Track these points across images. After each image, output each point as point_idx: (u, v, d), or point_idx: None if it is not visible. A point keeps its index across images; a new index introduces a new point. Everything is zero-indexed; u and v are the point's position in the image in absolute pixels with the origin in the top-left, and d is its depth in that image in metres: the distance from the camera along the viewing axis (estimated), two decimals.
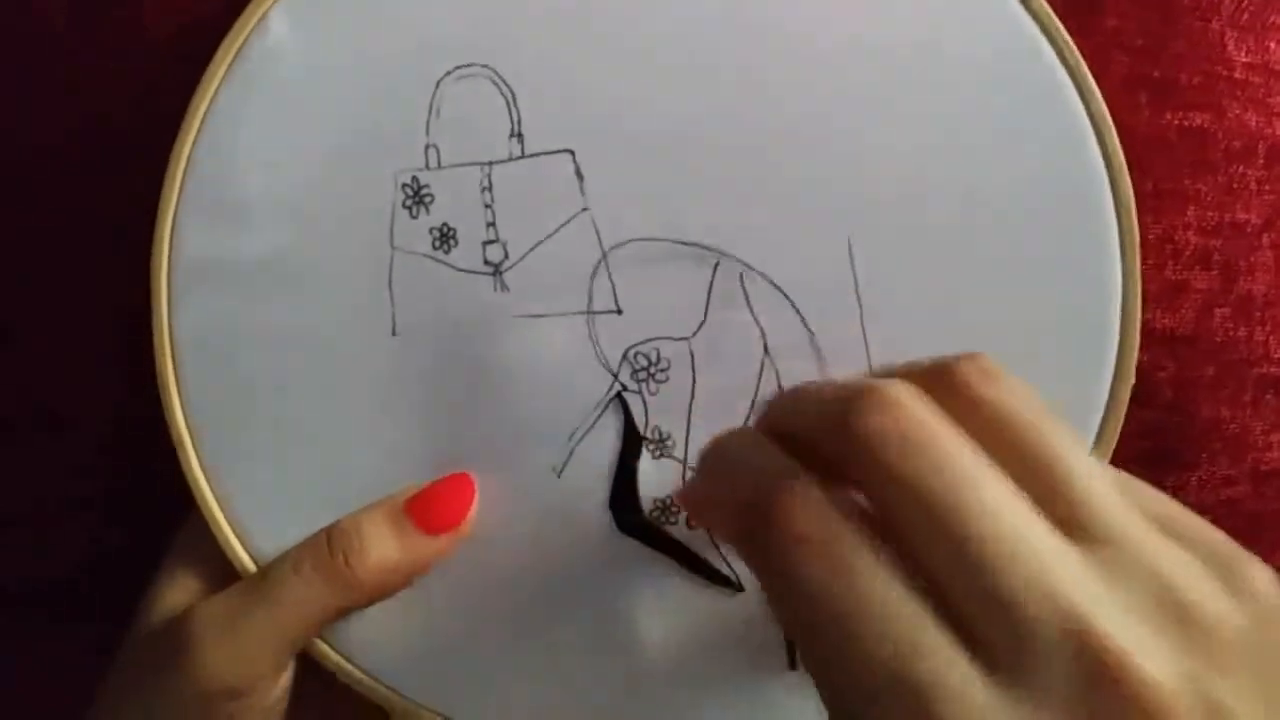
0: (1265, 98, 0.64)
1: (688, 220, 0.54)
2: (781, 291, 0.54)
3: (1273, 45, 0.65)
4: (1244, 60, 0.64)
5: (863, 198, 0.53)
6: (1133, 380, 0.52)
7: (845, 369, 0.53)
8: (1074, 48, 0.53)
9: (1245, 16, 0.64)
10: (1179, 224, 0.62)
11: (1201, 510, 0.61)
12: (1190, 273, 0.63)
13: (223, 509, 0.55)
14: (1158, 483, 0.54)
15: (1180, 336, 0.60)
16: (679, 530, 0.54)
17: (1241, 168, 0.63)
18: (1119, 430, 0.52)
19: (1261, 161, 0.64)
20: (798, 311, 0.53)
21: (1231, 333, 0.63)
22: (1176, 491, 0.57)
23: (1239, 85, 0.64)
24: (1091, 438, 0.53)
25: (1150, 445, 0.61)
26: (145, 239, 0.55)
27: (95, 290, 0.62)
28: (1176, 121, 0.62)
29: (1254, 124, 0.64)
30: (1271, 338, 0.64)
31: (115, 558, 0.64)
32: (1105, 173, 0.53)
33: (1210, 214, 0.63)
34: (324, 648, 0.54)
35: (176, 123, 0.55)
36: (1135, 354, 0.52)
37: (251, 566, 0.54)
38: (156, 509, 0.57)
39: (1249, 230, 0.63)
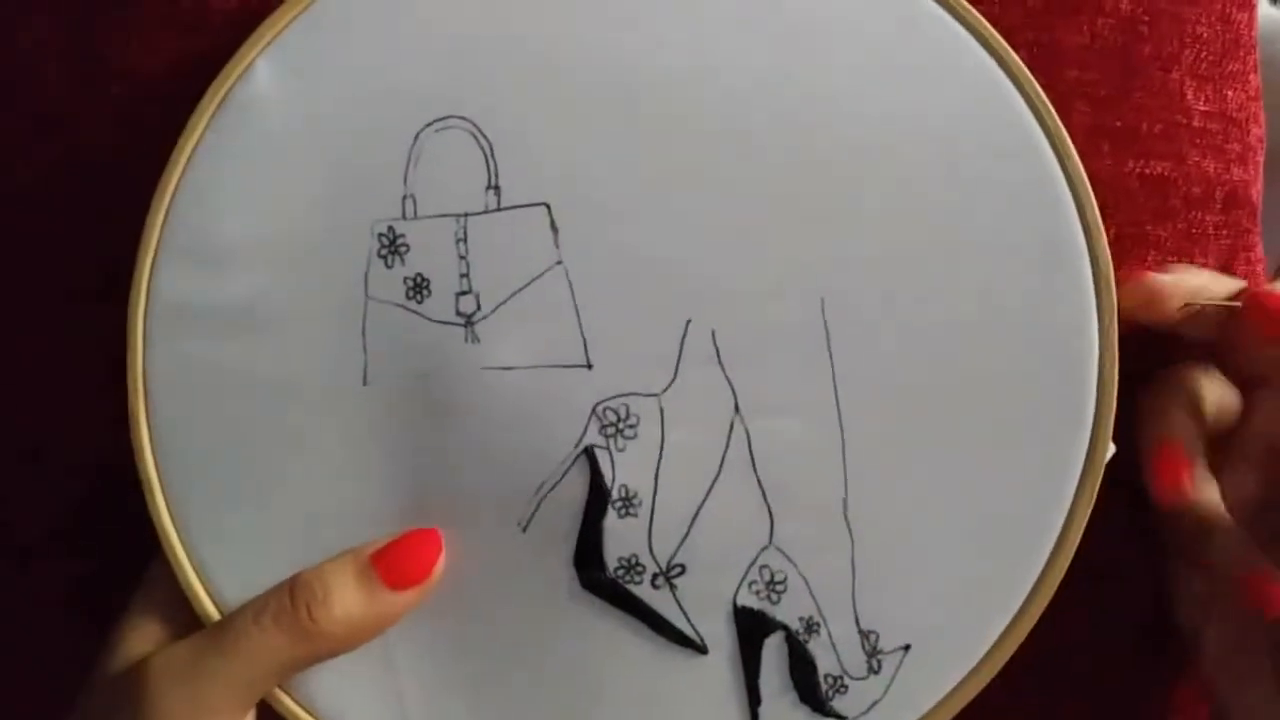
0: (1223, 144, 0.64)
1: (661, 275, 0.52)
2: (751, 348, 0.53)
3: (1230, 94, 0.64)
4: (1203, 109, 0.63)
5: (837, 256, 0.52)
6: (1111, 446, 0.52)
7: (817, 428, 0.52)
8: (1051, 109, 0.52)
9: (1204, 66, 0.63)
10: (1138, 270, 0.61)
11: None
12: None
13: (187, 552, 0.53)
14: None
15: (1122, 373, 0.60)
16: (644, 590, 0.53)
17: (1200, 213, 0.63)
18: (1094, 498, 0.52)
19: (1219, 207, 0.63)
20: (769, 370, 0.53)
21: None
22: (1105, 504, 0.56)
23: (1198, 133, 0.63)
24: (1065, 509, 0.52)
25: None
26: (127, 278, 0.53)
27: (82, 322, 0.60)
28: (1138, 169, 0.61)
29: (1212, 170, 0.63)
30: None
31: (95, 591, 0.62)
32: (1084, 238, 0.52)
33: (1169, 259, 0.62)
34: (282, 696, 0.53)
35: (163, 164, 0.53)
36: (1111, 417, 0.51)
37: (214, 613, 0.53)
38: (132, 547, 0.55)
39: None
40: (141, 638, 0.52)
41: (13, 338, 0.61)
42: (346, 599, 0.50)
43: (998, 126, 0.52)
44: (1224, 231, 0.63)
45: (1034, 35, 0.59)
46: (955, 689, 0.52)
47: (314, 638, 0.50)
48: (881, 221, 0.52)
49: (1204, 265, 0.63)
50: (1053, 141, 0.52)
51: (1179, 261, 0.61)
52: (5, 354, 0.61)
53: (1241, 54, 0.64)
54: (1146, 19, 0.61)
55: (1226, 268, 0.63)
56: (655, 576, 0.53)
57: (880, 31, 0.52)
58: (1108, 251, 0.51)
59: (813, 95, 0.52)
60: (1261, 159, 0.66)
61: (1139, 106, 0.62)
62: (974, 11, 0.52)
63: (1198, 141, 0.63)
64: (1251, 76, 0.65)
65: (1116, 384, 0.51)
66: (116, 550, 0.58)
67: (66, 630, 0.62)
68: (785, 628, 0.53)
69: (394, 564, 0.51)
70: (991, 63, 0.52)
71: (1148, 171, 0.62)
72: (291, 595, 0.51)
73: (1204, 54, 0.63)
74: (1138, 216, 0.61)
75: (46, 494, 0.62)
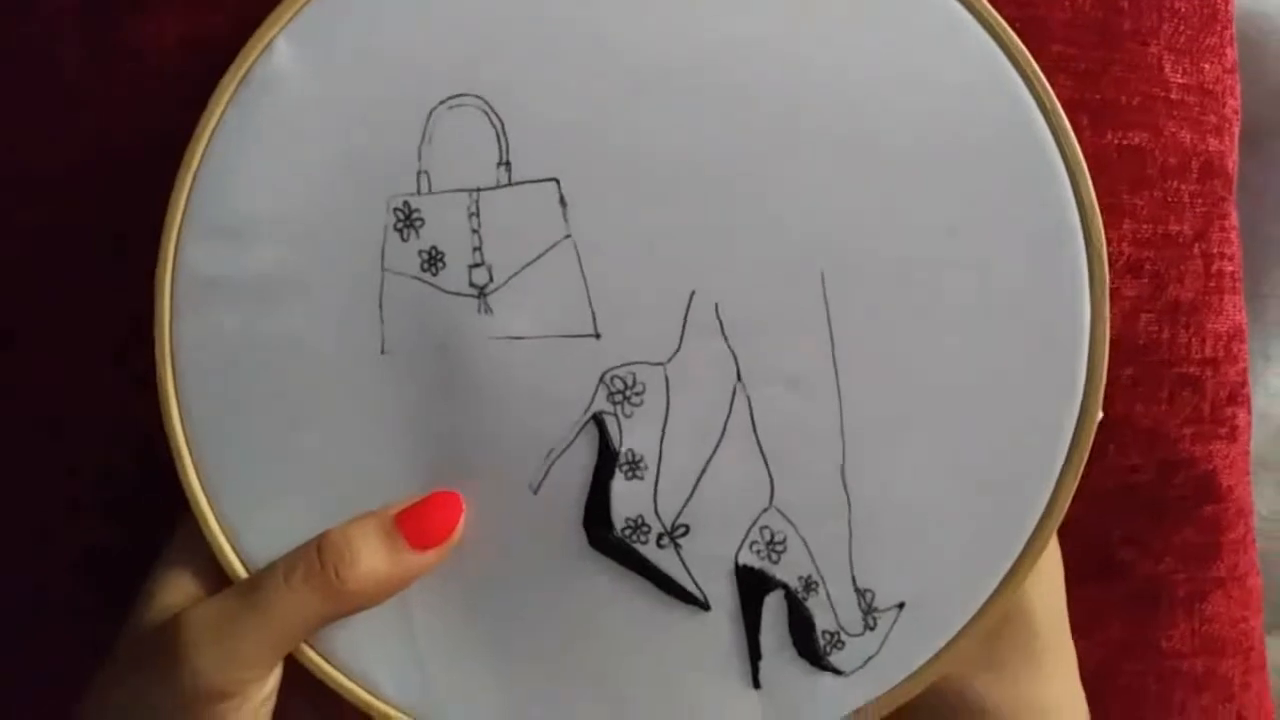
0: (1199, 116, 0.65)
1: (666, 248, 0.53)
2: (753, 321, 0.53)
3: (1206, 66, 0.65)
4: (1180, 81, 0.64)
5: (837, 233, 0.52)
6: (1100, 416, 0.52)
7: (816, 396, 0.53)
8: (1048, 87, 0.52)
9: (1182, 39, 0.64)
10: (1114, 237, 0.62)
11: (1099, 495, 0.63)
12: (1121, 281, 0.63)
13: (215, 514, 0.53)
14: None
15: None
16: (649, 550, 0.54)
17: (1176, 182, 0.64)
18: (1083, 465, 0.52)
19: (1195, 176, 0.64)
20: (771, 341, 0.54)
21: (1155, 335, 0.64)
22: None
23: (1175, 105, 0.64)
24: (1056, 471, 0.53)
25: None
26: (148, 252, 0.53)
27: (100, 296, 0.61)
28: (1116, 141, 0.62)
29: (1188, 141, 0.64)
30: (1194, 339, 0.65)
31: (112, 558, 0.63)
32: (1077, 213, 0.53)
33: (1145, 226, 0.63)
34: (306, 649, 0.54)
35: (180, 141, 0.53)
36: (1101, 387, 0.52)
37: (242, 571, 0.53)
38: (152, 510, 0.56)
39: (1181, 241, 0.64)
40: (174, 591, 0.53)
41: (30, 313, 0.62)
42: (372, 558, 0.51)
43: (995, 105, 0.52)
44: (1199, 200, 0.64)
45: (1018, 10, 0.60)
46: (947, 646, 0.53)
47: (341, 596, 0.51)
48: (881, 198, 0.52)
49: (1179, 232, 0.64)
50: (1049, 120, 0.52)
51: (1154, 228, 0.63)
52: (30, 330, 0.62)
53: (1218, 28, 0.65)
54: None
55: (1203, 234, 0.65)
56: (660, 536, 0.54)
57: (881, 11, 0.53)
58: (1101, 228, 0.51)
59: (816, 75, 0.52)
60: (1237, 130, 0.67)
61: (1118, 80, 0.62)
62: None
63: (1175, 113, 0.64)
64: (1228, 50, 0.65)
65: (1107, 354, 0.52)
66: (131, 523, 0.59)
67: (81, 602, 0.63)
68: (785, 586, 0.54)
69: (418, 525, 0.52)
70: (990, 41, 0.52)
71: (1125, 142, 0.63)
72: (320, 554, 0.51)
73: (1182, 28, 0.64)
74: (1115, 186, 0.62)
75: (62, 469, 0.63)
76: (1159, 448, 0.65)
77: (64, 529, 0.63)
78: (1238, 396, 0.66)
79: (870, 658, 0.53)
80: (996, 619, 0.53)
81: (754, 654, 0.54)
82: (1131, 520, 0.65)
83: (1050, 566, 0.55)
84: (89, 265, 0.60)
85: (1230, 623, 0.67)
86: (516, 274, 0.52)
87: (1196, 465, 0.65)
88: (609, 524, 0.53)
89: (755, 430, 0.53)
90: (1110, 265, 0.53)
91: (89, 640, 0.54)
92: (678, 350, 0.52)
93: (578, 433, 0.53)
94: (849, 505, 0.53)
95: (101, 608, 0.54)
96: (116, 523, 0.63)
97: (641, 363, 0.52)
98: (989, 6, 0.52)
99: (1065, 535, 0.54)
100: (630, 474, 0.53)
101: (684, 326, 0.52)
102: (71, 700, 0.52)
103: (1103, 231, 0.51)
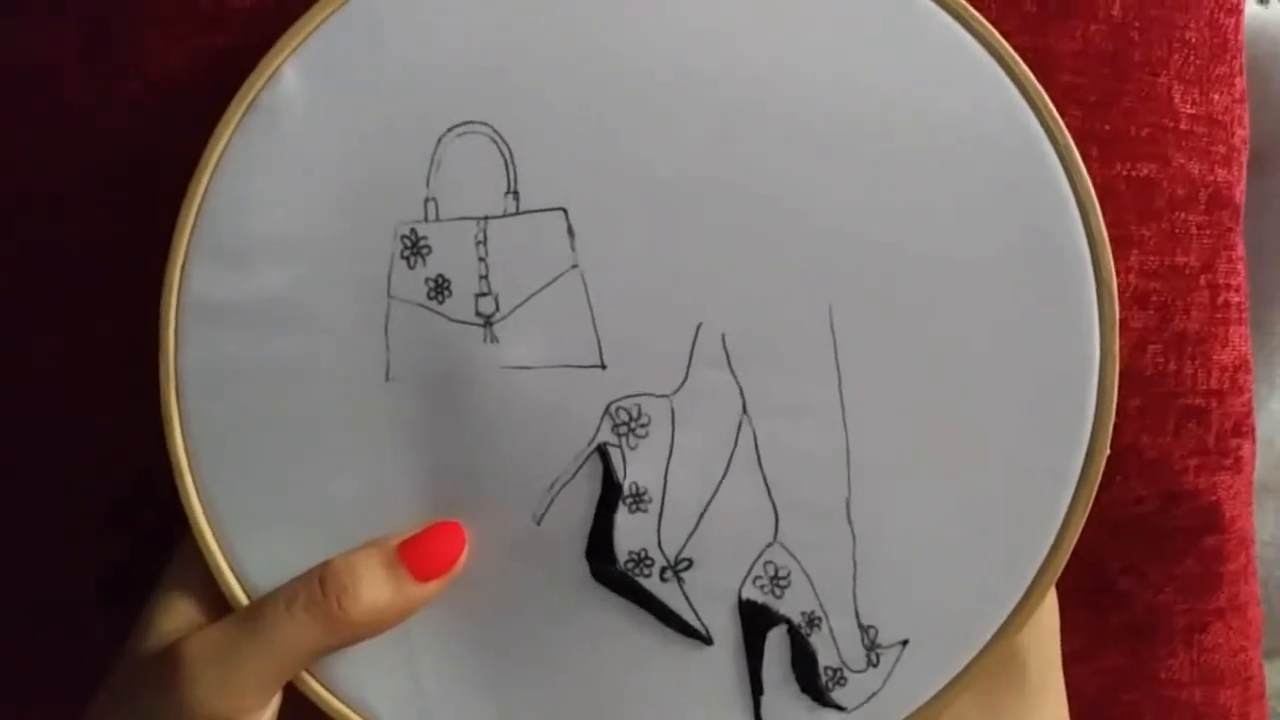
0: (1208, 146, 0.64)
1: (673, 280, 0.52)
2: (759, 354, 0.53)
3: (1215, 97, 0.64)
4: (1189, 112, 0.63)
5: (845, 265, 0.52)
6: (1107, 453, 0.52)
7: (822, 430, 0.53)
8: (1060, 121, 0.52)
9: (1191, 70, 0.63)
10: (1121, 268, 0.61)
11: (1103, 525, 0.63)
12: (1128, 312, 0.63)
13: (216, 538, 0.53)
14: None
15: None
16: (652, 583, 0.53)
17: (1184, 214, 0.63)
18: (1091, 501, 0.52)
19: (1203, 207, 0.63)
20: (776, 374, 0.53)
21: (1162, 367, 0.64)
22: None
23: (1184, 136, 0.63)
24: (1062, 510, 0.52)
25: None
26: (152, 268, 0.52)
27: (102, 320, 0.60)
28: (1125, 172, 0.62)
29: (1197, 172, 0.64)
30: (1200, 371, 0.64)
31: (113, 564, 0.62)
32: (1088, 250, 0.52)
33: (1152, 258, 0.62)
34: (306, 677, 0.53)
35: (184, 160, 0.52)
36: (1110, 427, 0.51)
37: (242, 598, 0.52)
38: (154, 519, 0.56)
39: (1188, 272, 0.63)
40: (173, 618, 0.52)
41: (37, 335, 0.61)
42: (375, 589, 0.51)
43: (1006, 139, 0.52)
44: (1207, 231, 0.64)
45: (1028, 40, 0.59)
46: (950, 683, 0.52)
47: (342, 626, 0.50)
48: (890, 231, 0.52)
49: (1186, 264, 0.64)
50: (1060, 153, 0.52)
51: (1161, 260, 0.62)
52: (31, 351, 0.61)
53: (1228, 58, 0.64)
54: (1137, 24, 0.61)
55: (1209, 265, 0.64)
56: (664, 570, 0.53)
57: (890, 42, 0.52)
58: (1111, 262, 0.51)
59: (825, 108, 0.52)
60: (1245, 160, 0.66)
61: (1127, 110, 0.62)
62: (985, 23, 0.52)
63: (1183, 144, 0.63)
64: (1237, 80, 0.65)
65: (1116, 393, 0.52)
66: (146, 538, 0.58)
67: (99, 616, 0.63)
68: (788, 621, 0.53)
69: (420, 556, 0.52)
70: (1000, 72, 0.52)
71: (1134, 174, 0.62)
72: (322, 584, 0.51)
73: (1192, 58, 0.63)
74: (1123, 217, 0.62)
75: (78, 484, 0.62)
76: (1164, 479, 0.64)
77: (65, 535, 0.63)
78: (1242, 428, 0.65)
79: (873, 694, 0.53)
80: (1000, 657, 0.52)
81: (756, 689, 0.54)
82: (1133, 550, 0.65)
83: (1043, 607, 0.54)
84: (92, 286, 0.60)
85: (1229, 653, 0.67)
86: (523, 303, 0.52)
87: (1200, 497, 0.65)
88: (612, 557, 0.53)
89: (760, 464, 0.52)
90: (1118, 296, 0.52)
91: (103, 659, 0.53)
92: (684, 382, 0.52)
93: (581, 464, 0.52)
94: (853, 540, 0.52)
95: (116, 627, 0.53)
96: (118, 529, 0.62)
97: (647, 394, 0.52)
98: (999, 37, 0.51)
99: (1066, 565, 0.54)
100: (634, 507, 0.52)
101: (690, 358, 0.52)
102: (70, 709, 0.52)
103: (1113, 266, 0.50)
